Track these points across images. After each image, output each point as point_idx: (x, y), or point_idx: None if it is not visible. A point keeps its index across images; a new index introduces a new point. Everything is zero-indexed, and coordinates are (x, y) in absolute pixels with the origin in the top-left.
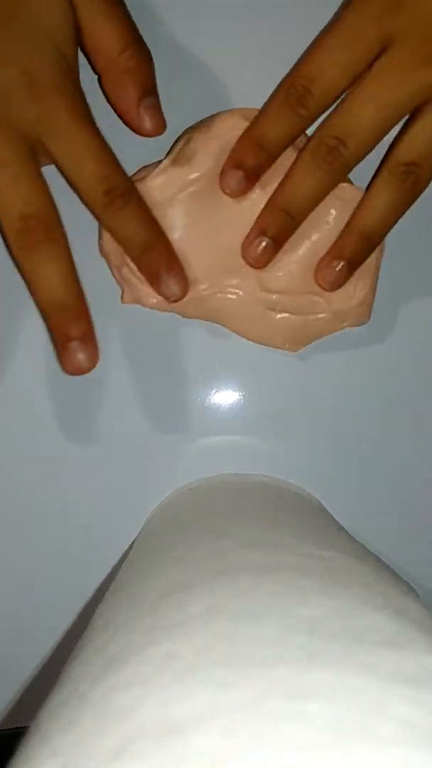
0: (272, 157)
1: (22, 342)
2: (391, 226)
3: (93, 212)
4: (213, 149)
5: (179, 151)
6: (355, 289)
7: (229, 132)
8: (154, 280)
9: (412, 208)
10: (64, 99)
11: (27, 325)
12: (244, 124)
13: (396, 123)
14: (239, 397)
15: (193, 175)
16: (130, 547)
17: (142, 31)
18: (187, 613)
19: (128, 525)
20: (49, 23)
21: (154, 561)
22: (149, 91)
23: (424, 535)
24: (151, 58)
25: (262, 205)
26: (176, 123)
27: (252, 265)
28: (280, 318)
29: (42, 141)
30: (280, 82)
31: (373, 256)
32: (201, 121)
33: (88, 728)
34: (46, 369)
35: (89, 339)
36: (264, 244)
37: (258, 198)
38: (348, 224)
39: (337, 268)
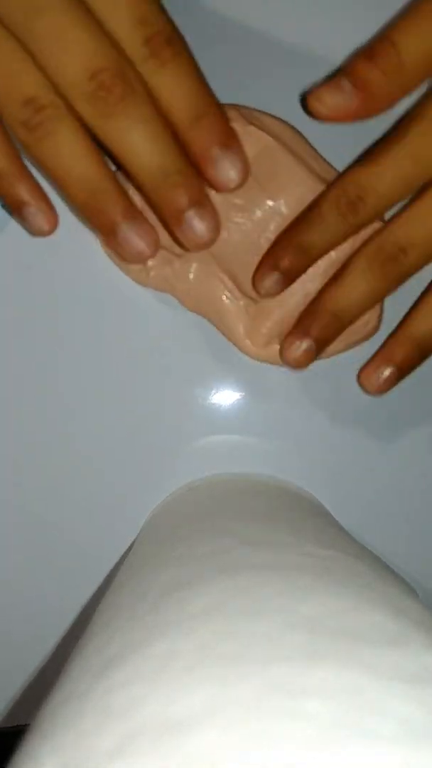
0: (312, 261)
1: (20, 342)
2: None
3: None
4: None
5: None
6: (368, 318)
7: None
8: (207, 160)
9: None
10: None
11: (25, 321)
12: (240, 120)
13: None
14: (239, 397)
15: None
16: (130, 546)
17: None
18: (187, 611)
19: (128, 524)
20: None
21: (154, 560)
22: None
23: (424, 535)
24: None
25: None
26: None
27: (292, 366)
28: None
29: None
30: (332, 184)
31: None
32: None
33: (88, 727)
34: (45, 369)
35: (204, 203)
36: (305, 346)
37: (269, 237)
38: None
39: (385, 375)
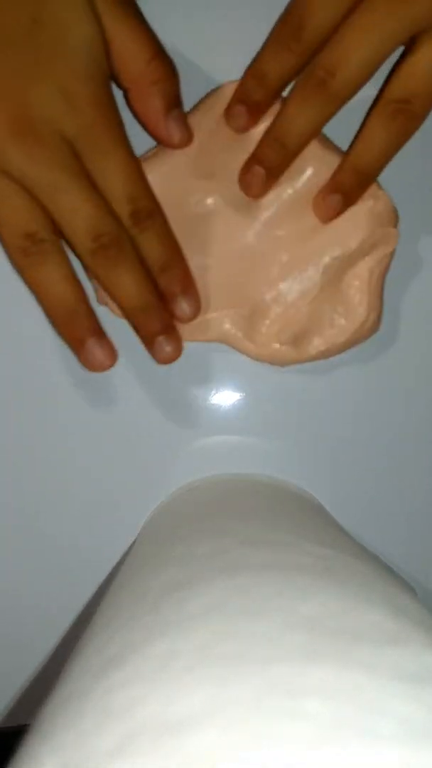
0: (272, 92)
1: (20, 343)
2: (384, 165)
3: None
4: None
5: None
6: (367, 316)
7: (222, 102)
8: (170, 299)
9: (414, 208)
10: (102, 113)
11: (27, 324)
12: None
13: (386, 55)
14: (240, 397)
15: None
16: (131, 546)
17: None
18: (186, 611)
19: (128, 525)
20: (80, 34)
21: (154, 560)
22: (175, 102)
23: (424, 535)
24: (175, 70)
25: (264, 239)
26: None
27: (246, 193)
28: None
29: (79, 156)
30: (275, 23)
31: (377, 270)
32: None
33: (89, 726)
34: (46, 371)
35: (171, 330)
36: (257, 171)
37: (259, 230)
38: (343, 161)
39: (333, 202)
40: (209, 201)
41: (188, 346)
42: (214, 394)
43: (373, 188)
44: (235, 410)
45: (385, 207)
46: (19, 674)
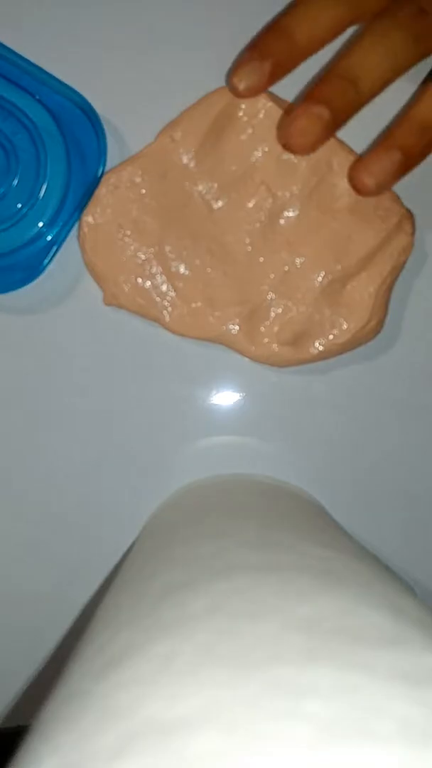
0: (300, 53)
1: (22, 343)
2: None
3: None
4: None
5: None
6: (369, 319)
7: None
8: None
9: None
10: None
11: (27, 325)
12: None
13: None
14: (239, 398)
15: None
16: (131, 547)
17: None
18: (186, 612)
19: (128, 525)
20: None
21: (154, 561)
22: None
23: (424, 536)
24: None
25: (266, 239)
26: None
27: (296, 143)
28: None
29: None
30: None
31: (390, 277)
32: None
33: (89, 727)
34: (46, 372)
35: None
36: (321, 113)
37: (262, 229)
38: (402, 119)
39: (392, 159)
40: (211, 200)
41: (188, 347)
42: (214, 394)
43: (389, 194)
44: (234, 411)
45: (400, 213)
46: (19, 675)
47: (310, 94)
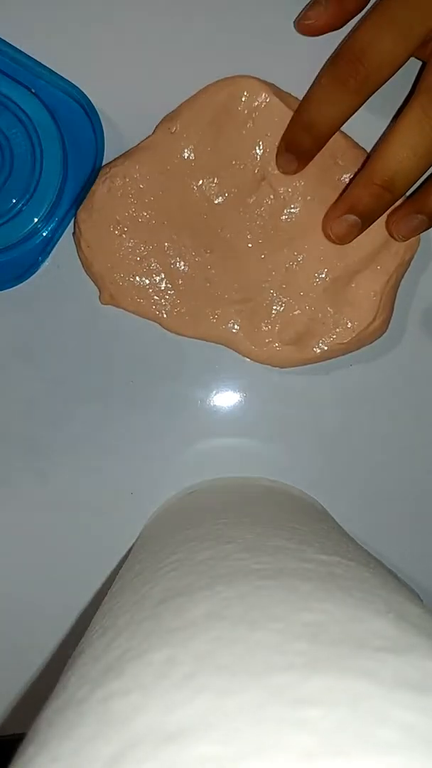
0: (323, 139)
1: (17, 343)
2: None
3: None
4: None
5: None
6: (374, 318)
7: (217, 94)
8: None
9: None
10: None
11: (22, 325)
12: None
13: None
14: (241, 400)
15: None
16: (129, 551)
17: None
18: (186, 618)
19: (127, 529)
20: None
21: (153, 565)
22: None
23: (428, 538)
24: None
25: (267, 237)
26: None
27: (332, 240)
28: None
29: None
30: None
31: (395, 275)
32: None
33: (87, 734)
34: (46, 375)
35: None
36: (356, 222)
37: (264, 227)
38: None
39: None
40: (211, 195)
41: (188, 348)
42: (215, 395)
43: None
44: (235, 412)
45: None
46: (16, 682)
47: (347, 199)
